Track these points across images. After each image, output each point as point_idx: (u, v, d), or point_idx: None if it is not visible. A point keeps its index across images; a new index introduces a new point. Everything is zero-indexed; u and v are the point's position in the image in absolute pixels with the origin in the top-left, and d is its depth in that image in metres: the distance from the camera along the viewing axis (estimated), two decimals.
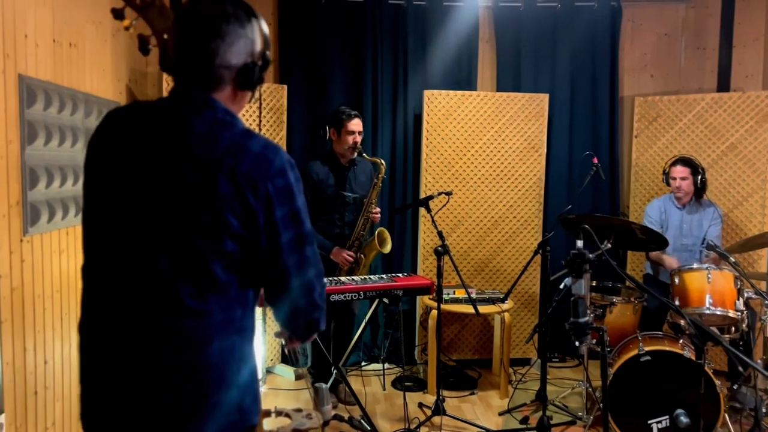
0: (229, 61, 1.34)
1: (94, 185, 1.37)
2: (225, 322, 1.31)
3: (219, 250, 1.27)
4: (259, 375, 4.09)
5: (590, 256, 2.19)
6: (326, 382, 3.68)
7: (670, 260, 4.00)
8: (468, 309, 3.70)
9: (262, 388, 4.12)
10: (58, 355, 2.79)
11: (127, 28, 1.56)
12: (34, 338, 2.57)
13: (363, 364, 4.62)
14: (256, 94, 1.45)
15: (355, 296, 3.28)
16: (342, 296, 3.25)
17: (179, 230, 1.27)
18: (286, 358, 4.38)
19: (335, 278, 3.44)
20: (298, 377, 4.38)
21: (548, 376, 3.91)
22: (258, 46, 1.38)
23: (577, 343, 2.19)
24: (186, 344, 1.28)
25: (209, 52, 1.32)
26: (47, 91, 2.61)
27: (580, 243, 2.23)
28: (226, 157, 1.27)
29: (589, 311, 3.69)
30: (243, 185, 1.26)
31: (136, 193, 1.29)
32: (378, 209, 3.95)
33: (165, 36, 1.53)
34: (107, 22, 3.38)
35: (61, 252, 2.82)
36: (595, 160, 3.88)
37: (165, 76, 3.93)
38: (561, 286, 3.49)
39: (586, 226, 2.18)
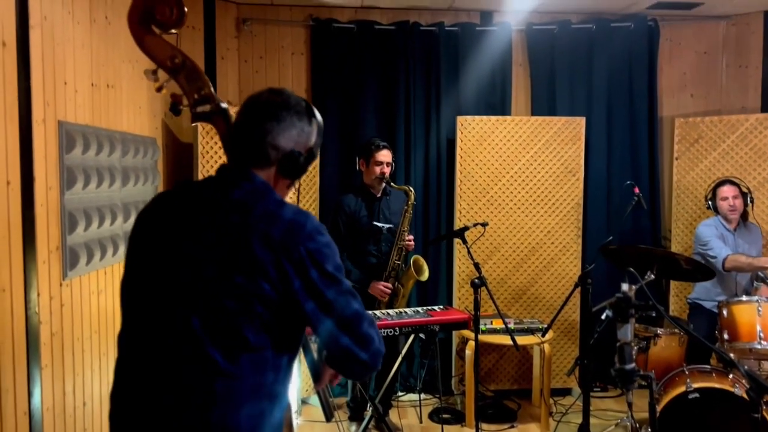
0: (278, 142, 1.42)
1: (135, 256, 1.44)
2: (256, 386, 1.34)
3: (250, 311, 1.31)
4: (294, 407, 4.08)
5: (635, 299, 2.11)
6: (363, 416, 3.64)
7: (764, 259, 3.71)
8: (506, 340, 3.62)
9: (298, 420, 4.09)
10: (97, 396, 2.80)
11: (159, 89, 1.57)
12: (73, 381, 2.59)
13: (399, 394, 4.56)
14: (296, 185, 1.51)
15: (390, 332, 3.22)
16: None
17: (213, 292, 1.32)
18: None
19: (370, 313, 3.40)
20: (334, 409, 4.33)
21: (590, 408, 3.81)
22: (310, 140, 1.47)
23: (624, 390, 2.11)
24: (217, 404, 1.30)
25: (261, 130, 1.42)
26: (85, 134, 2.64)
27: (625, 286, 2.15)
28: (259, 222, 1.33)
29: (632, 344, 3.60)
30: (278, 250, 1.31)
31: (175, 258, 1.36)
32: (411, 237, 3.91)
33: (196, 96, 1.54)
34: (143, 60, 3.41)
35: (99, 292, 2.84)
36: (636, 190, 3.77)
37: None
38: (603, 317, 3.39)
39: (632, 269, 2.10)
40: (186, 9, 1.54)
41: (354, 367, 1.41)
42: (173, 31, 1.55)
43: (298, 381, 4.27)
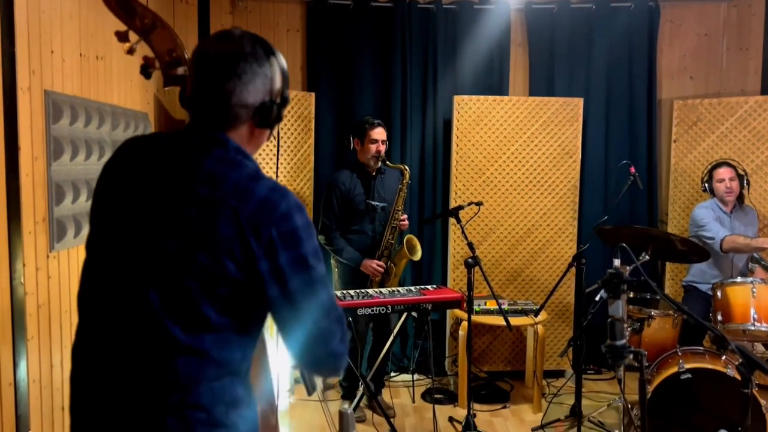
0: (245, 100, 1.30)
1: (99, 212, 1.36)
2: (220, 362, 1.26)
3: (211, 292, 1.23)
4: (287, 386, 4.08)
5: (628, 276, 2.08)
6: (356, 396, 3.63)
7: (761, 240, 3.73)
8: (499, 321, 3.61)
9: (291, 399, 4.09)
10: None
11: (129, 52, 1.52)
12: (61, 354, 2.56)
13: (392, 374, 4.55)
14: (274, 132, 1.41)
15: (383, 310, 3.20)
16: (369, 310, 3.18)
17: (173, 268, 1.23)
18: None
19: (363, 291, 3.38)
20: (327, 388, 4.33)
21: (583, 390, 3.80)
22: (276, 83, 1.34)
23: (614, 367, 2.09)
24: (176, 381, 1.24)
25: (225, 92, 1.29)
26: (73, 105, 2.60)
27: (617, 262, 2.13)
28: (229, 198, 1.23)
29: (626, 325, 3.59)
30: (245, 229, 1.22)
31: (137, 226, 1.27)
32: (405, 216, 3.88)
33: (167, 58, 1.49)
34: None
35: None
36: (633, 170, 3.73)
37: None
38: (597, 298, 3.37)
39: (624, 245, 2.08)
40: None
41: (308, 359, 1.33)
42: None
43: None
